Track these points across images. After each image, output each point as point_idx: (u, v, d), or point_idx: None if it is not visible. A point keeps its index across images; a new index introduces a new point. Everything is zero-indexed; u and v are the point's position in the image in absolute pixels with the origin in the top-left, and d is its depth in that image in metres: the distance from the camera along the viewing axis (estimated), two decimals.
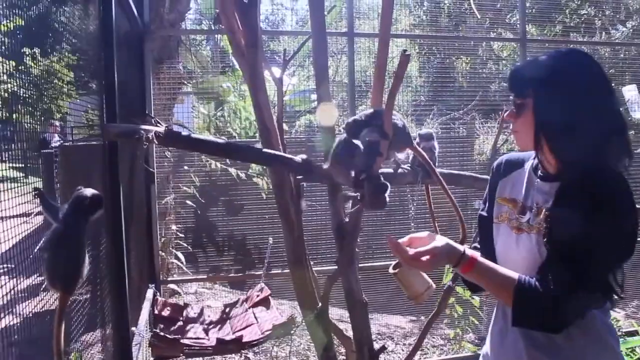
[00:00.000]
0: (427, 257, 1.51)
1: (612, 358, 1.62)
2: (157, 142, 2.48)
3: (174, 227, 5.00)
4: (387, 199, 2.19)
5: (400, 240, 1.58)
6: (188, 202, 4.86)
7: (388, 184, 2.18)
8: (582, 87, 1.55)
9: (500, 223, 1.73)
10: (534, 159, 1.71)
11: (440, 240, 1.54)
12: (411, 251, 1.53)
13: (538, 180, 1.67)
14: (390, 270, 1.73)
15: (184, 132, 2.81)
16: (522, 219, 1.65)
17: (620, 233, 1.46)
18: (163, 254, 4.65)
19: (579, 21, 7.29)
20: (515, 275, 1.50)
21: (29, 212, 1.91)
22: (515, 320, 1.51)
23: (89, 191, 1.92)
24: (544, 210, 1.58)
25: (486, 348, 1.83)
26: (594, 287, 1.47)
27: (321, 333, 3.02)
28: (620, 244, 1.48)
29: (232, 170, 4.83)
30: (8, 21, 1.92)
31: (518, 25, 5.30)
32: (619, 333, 4.28)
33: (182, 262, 4.99)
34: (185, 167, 4.84)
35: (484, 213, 1.84)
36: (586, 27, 7.04)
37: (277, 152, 2.77)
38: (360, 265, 3.26)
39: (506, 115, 1.70)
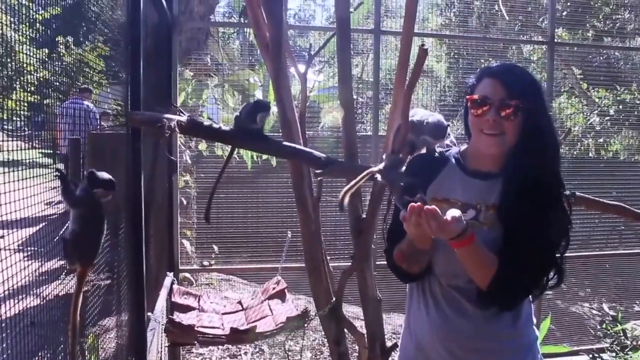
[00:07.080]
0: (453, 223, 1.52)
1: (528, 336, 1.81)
2: (179, 131, 2.52)
3: (194, 216, 5.04)
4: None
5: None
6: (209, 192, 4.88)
7: None
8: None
9: None
10: (453, 156, 1.84)
11: (456, 210, 1.56)
12: (448, 215, 1.51)
13: (472, 178, 1.77)
14: None
15: (206, 123, 2.84)
16: (465, 216, 1.69)
17: (567, 221, 1.72)
18: (184, 242, 4.70)
19: (611, 25, 7.13)
20: (494, 256, 1.63)
21: (52, 199, 1.96)
22: (489, 297, 1.66)
23: (100, 173, 1.96)
24: (493, 206, 1.70)
25: (412, 340, 1.88)
26: (551, 269, 1.71)
27: (334, 327, 3.03)
28: (567, 231, 1.72)
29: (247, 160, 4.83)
30: (44, 11, 1.98)
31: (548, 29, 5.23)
32: (635, 343, 4.25)
33: (200, 252, 5.04)
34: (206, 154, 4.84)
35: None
36: (618, 32, 6.90)
37: (298, 146, 2.79)
38: (377, 263, 3.26)
39: (494, 117, 1.68)
